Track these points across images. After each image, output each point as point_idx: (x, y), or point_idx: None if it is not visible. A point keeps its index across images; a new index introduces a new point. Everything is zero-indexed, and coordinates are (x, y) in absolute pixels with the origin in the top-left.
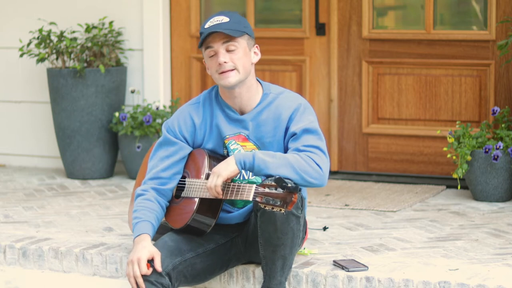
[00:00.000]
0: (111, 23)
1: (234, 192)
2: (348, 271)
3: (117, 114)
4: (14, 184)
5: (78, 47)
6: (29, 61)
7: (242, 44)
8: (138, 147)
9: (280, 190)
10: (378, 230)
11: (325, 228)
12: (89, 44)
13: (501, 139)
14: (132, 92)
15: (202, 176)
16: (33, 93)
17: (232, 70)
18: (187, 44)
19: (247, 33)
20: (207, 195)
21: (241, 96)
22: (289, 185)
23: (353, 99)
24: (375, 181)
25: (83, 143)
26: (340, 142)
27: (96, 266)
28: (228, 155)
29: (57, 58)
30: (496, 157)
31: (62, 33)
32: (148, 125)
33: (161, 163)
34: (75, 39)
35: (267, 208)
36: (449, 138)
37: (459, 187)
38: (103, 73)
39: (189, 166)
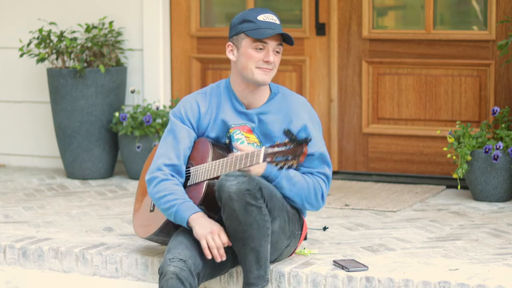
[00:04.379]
0: (111, 23)
1: (243, 161)
2: (348, 271)
3: (117, 114)
4: (14, 184)
5: (78, 47)
6: (29, 61)
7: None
8: (138, 147)
9: (288, 147)
10: (378, 230)
11: (325, 228)
12: (89, 44)
13: (501, 139)
14: (132, 92)
15: (208, 159)
16: (33, 93)
17: (271, 69)
18: (187, 44)
19: None
20: (214, 174)
21: (257, 92)
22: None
23: (353, 99)
24: (375, 181)
25: (83, 143)
26: (340, 142)
27: (96, 266)
28: (230, 145)
29: (57, 58)
30: (496, 157)
31: (62, 33)
32: (148, 125)
33: (172, 150)
34: (75, 39)
35: (279, 165)
36: (449, 138)
37: (459, 187)
38: (103, 73)
39: (193, 156)
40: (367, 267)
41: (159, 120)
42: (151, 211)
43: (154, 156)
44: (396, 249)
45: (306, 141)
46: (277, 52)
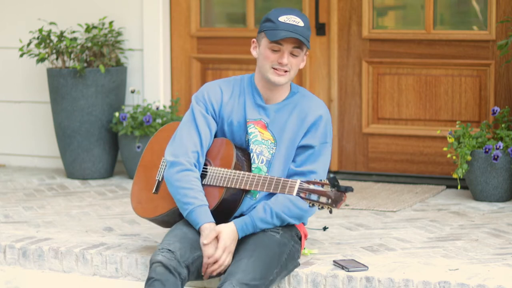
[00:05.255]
0: (111, 23)
1: (273, 186)
2: (348, 271)
3: (117, 114)
4: (14, 184)
5: (78, 47)
6: (29, 61)
7: (303, 52)
8: (138, 147)
9: (327, 188)
10: (378, 230)
11: (325, 228)
12: (89, 44)
13: (501, 139)
14: (132, 92)
15: (231, 166)
16: (33, 93)
17: (287, 71)
18: (187, 44)
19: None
20: (237, 186)
21: (276, 90)
22: (341, 185)
23: (353, 99)
24: (375, 181)
25: (83, 143)
26: (340, 142)
27: (96, 266)
28: (248, 143)
29: (57, 58)
30: (496, 157)
31: (62, 33)
32: (148, 125)
33: (196, 137)
34: (75, 39)
35: (310, 203)
36: (449, 138)
37: (459, 187)
38: (103, 73)
39: (212, 155)
40: (367, 267)
41: (159, 120)
42: (155, 192)
43: (176, 137)
44: (396, 249)
45: (347, 190)
46: (294, 55)
